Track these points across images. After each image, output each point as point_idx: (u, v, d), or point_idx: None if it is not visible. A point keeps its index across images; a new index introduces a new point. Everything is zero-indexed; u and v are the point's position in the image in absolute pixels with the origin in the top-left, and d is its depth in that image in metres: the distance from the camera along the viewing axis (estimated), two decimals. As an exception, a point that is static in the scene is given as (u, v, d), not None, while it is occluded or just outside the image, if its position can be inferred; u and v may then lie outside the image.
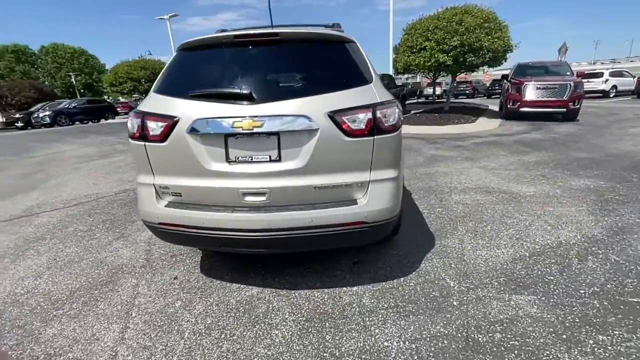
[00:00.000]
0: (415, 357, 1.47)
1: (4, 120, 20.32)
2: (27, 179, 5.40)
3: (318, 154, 1.62)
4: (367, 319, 1.73)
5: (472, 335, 1.57)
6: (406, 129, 8.52)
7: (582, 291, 1.87)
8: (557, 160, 4.83)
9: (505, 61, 9.56)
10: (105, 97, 32.54)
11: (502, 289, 1.92)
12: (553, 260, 2.19)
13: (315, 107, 1.60)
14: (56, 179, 5.23)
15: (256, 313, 1.82)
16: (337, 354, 1.51)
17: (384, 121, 1.67)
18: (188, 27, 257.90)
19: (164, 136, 1.67)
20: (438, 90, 20.50)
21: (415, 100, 22.50)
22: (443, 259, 2.28)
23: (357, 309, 1.81)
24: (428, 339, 1.57)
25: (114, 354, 1.58)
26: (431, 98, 18.66)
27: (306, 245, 1.83)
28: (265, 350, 1.55)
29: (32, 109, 18.77)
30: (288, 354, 1.53)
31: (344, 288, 2.00)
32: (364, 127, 1.63)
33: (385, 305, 1.83)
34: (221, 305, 1.90)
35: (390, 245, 2.49)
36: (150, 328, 1.74)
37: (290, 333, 1.66)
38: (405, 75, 21.84)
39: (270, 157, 1.64)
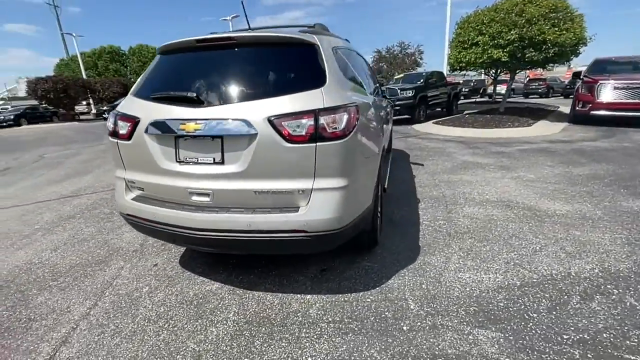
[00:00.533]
0: (333, 379, 1.39)
1: (95, 111, 23.86)
2: (88, 163, 6.29)
3: (257, 158, 1.61)
4: (304, 330, 1.68)
5: (405, 367, 1.43)
6: (448, 131, 7.94)
7: (565, 336, 1.56)
8: (617, 175, 4.06)
9: (576, 56, 8.26)
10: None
11: (467, 320, 1.70)
12: (547, 295, 1.87)
13: (255, 111, 1.58)
14: (110, 165, 6.00)
15: (205, 308, 1.88)
16: (257, 361, 1.50)
17: (328, 128, 1.58)
18: (252, 26, 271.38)
19: (129, 135, 1.82)
20: (503, 89, 18.61)
21: (474, 100, 20.77)
22: (417, 277, 2.09)
23: (300, 319, 1.76)
24: (355, 362, 1.47)
25: (75, 326, 1.78)
26: (494, 97, 17.06)
27: (246, 248, 1.83)
28: (194, 346, 1.61)
29: (116, 102, 21.70)
30: (212, 352, 1.56)
31: (299, 295, 1.96)
32: (304, 133, 1.57)
33: (329, 319, 1.74)
34: (179, 296, 2.01)
35: (366, 256, 2.36)
36: (113, 308, 1.92)
37: (225, 332, 1.69)
38: (472, 73, 20.19)
39: (214, 159, 1.67)
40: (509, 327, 1.63)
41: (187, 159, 1.71)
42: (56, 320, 1.83)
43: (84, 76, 28.19)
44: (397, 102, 9.31)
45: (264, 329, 1.70)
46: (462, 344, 1.54)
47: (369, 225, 2.09)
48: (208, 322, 1.76)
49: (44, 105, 22.99)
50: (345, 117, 1.62)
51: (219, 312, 1.84)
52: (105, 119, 20.93)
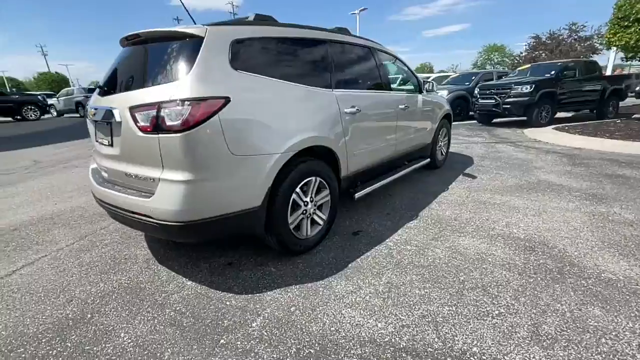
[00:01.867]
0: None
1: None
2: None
3: (124, 144, 1.76)
4: (159, 298, 1.78)
5: None
6: (565, 140, 6.08)
7: None
8: None
9: None
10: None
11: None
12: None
13: (124, 102, 1.73)
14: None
15: (120, 261, 2.22)
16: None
17: (168, 120, 1.57)
18: (403, 17, 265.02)
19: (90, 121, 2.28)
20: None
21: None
22: (301, 299, 1.84)
23: (163, 295, 1.86)
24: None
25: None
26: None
27: (128, 224, 2.01)
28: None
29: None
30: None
31: (184, 278, 2.05)
32: (149, 124, 1.61)
33: (180, 300, 1.78)
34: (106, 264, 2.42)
35: (278, 261, 2.20)
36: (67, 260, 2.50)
37: (120, 283, 1.97)
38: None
39: (108, 141, 1.92)
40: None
41: (98, 140, 2.04)
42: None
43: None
44: (507, 100, 7.62)
45: (137, 292, 1.89)
46: None
47: (260, 228, 1.96)
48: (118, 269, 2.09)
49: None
50: (189, 110, 1.57)
51: (127, 266, 2.14)
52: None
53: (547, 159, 4.84)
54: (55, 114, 17.64)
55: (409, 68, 3.68)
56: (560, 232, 2.52)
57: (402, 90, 3.47)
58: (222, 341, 1.54)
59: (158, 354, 1.47)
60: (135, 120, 1.67)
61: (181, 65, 1.71)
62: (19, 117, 14.02)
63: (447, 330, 1.56)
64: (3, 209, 3.41)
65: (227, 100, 1.68)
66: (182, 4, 2.18)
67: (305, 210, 2.23)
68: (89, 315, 1.73)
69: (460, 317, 1.65)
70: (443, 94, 9.78)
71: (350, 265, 2.16)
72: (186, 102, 1.59)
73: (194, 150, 1.62)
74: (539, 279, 1.95)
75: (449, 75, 12.63)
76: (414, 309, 1.72)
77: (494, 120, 9.17)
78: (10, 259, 2.38)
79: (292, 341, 1.52)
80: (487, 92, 8.20)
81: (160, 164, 1.67)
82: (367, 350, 1.46)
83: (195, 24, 1.95)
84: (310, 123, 2.13)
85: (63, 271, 2.18)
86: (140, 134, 1.67)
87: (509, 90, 7.64)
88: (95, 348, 1.51)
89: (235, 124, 1.72)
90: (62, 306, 1.82)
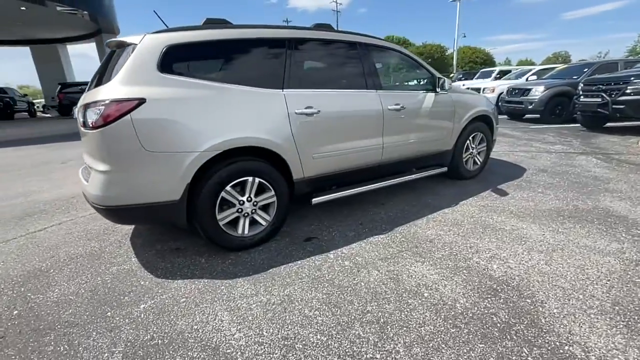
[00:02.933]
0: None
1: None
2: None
3: (82, 139, 2.13)
4: (90, 278, 2.12)
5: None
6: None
7: None
8: None
9: None
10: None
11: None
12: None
13: (82, 100, 2.07)
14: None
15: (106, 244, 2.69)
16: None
17: (89, 118, 1.83)
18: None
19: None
20: None
21: None
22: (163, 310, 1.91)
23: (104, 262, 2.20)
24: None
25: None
26: None
27: None
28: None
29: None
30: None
31: (131, 257, 2.36)
32: (81, 120, 1.91)
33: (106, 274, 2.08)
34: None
35: (206, 256, 2.31)
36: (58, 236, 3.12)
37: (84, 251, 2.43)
38: None
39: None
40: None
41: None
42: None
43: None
44: (619, 99, 5.86)
45: (95, 259, 2.30)
46: (93, 353, 1.49)
47: (182, 220, 2.10)
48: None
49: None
50: (103, 109, 1.80)
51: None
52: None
53: (635, 180, 3.56)
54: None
55: (419, 63, 3.22)
56: (558, 280, 1.89)
57: (401, 88, 3.09)
58: (108, 314, 1.75)
59: (62, 313, 1.77)
60: (83, 117, 2.00)
61: (115, 70, 1.96)
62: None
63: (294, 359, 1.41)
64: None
65: (141, 101, 1.85)
66: (157, 14, 2.45)
67: (242, 209, 2.27)
68: (51, 270, 2.20)
69: (323, 350, 1.46)
70: (538, 89, 8.13)
71: (271, 270, 2.11)
72: (102, 103, 1.82)
73: (108, 145, 1.86)
74: (464, 332, 1.54)
75: (554, 68, 10.30)
76: (285, 328, 1.60)
77: (607, 125, 7.11)
78: (47, 221, 3.15)
79: (154, 329, 1.62)
80: (593, 87, 6.38)
81: (92, 154, 1.97)
82: (202, 355, 1.45)
83: (166, 27, 2.19)
84: (240, 123, 2.14)
85: (69, 234, 2.78)
86: (82, 129, 2.00)
87: (624, 86, 5.79)
88: (33, 296, 1.92)
89: (149, 123, 1.88)
90: (44, 260, 2.34)
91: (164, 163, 1.95)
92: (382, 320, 1.64)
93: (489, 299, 1.76)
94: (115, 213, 1.99)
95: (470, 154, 3.71)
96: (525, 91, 8.48)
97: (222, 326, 1.63)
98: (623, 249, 2.19)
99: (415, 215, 2.88)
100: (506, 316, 1.63)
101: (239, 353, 1.46)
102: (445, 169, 3.45)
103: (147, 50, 1.97)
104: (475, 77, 14.27)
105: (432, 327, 1.57)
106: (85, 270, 2.17)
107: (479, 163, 3.85)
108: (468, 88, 12.76)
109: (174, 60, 2.03)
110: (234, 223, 2.29)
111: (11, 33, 17.56)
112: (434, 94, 3.18)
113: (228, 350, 1.48)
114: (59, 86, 15.37)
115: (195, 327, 1.63)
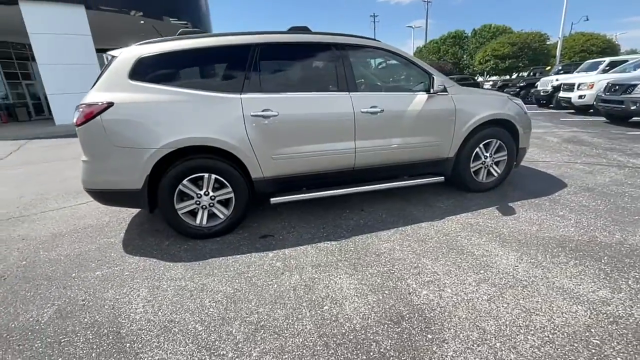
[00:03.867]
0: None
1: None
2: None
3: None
4: (75, 245, 2.65)
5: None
6: None
7: None
8: None
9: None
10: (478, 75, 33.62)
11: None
12: None
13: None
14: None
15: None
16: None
17: (74, 117, 2.28)
18: None
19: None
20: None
21: None
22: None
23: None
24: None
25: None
26: None
27: None
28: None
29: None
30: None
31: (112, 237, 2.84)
32: (74, 119, 2.38)
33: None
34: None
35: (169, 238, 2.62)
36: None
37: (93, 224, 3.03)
38: None
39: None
40: None
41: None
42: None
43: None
44: None
45: (93, 232, 2.86)
46: (42, 302, 1.91)
47: (145, 206, 2.44)
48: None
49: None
50: (80, 111, 2.23)
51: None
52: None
53: None
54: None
55: (411, 61, 2.93)
56: (486, 321, 1.60)
57: (386, 89, 2.87)
58: (73, 274, 2.19)
59: (48, 268, 2.29)
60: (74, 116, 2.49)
61: (99, 78, 2.39)
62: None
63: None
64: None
65: (110, 104, 2.23)
66: (155, 28, 2.84)
67: (199, 201, 2.51)
68: (65, 235, 2.81)
69: (190, 338, 1.58)
70: (599, 86, 6.50)
71: (209, 260, 2.30)
72: (82, 106, 2.26)
73: (86, 140, 2.30)
74: (330, 352, 1.47)
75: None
76: (177, 313, 1.77)
77: None
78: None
79: (89, 293, 1.98)
80: None
81: (81, 148, 2.45)
82: (102, 320, 1.73)
83: (160, 37, 2.58)
84: (194, 125, 2.36)
85: (97, 208, 3.46)
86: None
87: None
88: (41, 252, 2.52)
89: (115, 122, 2.25)
90: (67, 226, 3.00)
91: (128, 157, 2.31)
92: (261, 323, 1.66)
93: (385, 326, 1.61)
94: (94, 195, 2.45)
95: (482, 163, 3.23)
96: (629, 88, 6.74)
97: (135, 300, 1.89)
98: (610, 300, 1.70)
99: (386, 225, 2.70)
100: (387, 347, 1.48)
101: (127, 325, 1.69)
102: (442, 178, 3.09)
103: (122, 61, 2.34)
104: (577, 70, 11.84)
105: (301, 340, 1.54)
106: (85, 238, 2.72)
107: (495, 174, 3.32)
108: (562, 85, 10.73)
109: (143, 69, 2.36)
110: (193, 214, 2.55)
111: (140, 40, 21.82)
112: (426, 95, 2.88)
113: (122, 321, 1.72)
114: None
115: (117, 297, 1.93)
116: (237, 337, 1.58)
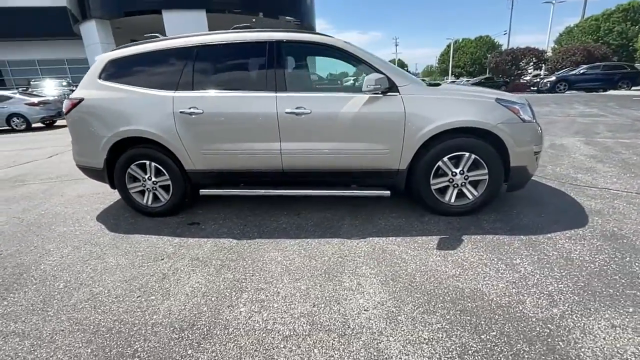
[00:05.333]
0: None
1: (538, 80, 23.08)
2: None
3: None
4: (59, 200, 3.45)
5: (30, 228, 2.96)
6: None
7: None
8: None
9: None
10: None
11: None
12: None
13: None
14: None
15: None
16: (82, 201, 3.65)
17: (64, 107, 2.96)
18: None
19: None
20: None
21: None
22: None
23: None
24: (51, 218, 3.19)
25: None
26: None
27: None
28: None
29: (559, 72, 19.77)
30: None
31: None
32: (67, 110, 3.08)
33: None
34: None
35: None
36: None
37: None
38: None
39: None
40: None
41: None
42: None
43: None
44: None
45: (89, 198, 3.67)
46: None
47: (106, 183, 3.00)
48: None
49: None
50: (65, 104, 2.88)
51: (122, 188, 3.98)
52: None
53: None
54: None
55: (359, 58, 2.54)
56: (241, 340, 1.45)
57: (326, 89, 2.59)
58: (52, 227, 2.94)
59: (32, 225, 3.12)
60: None
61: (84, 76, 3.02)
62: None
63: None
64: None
65: (80, 100, 2.82)
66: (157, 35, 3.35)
67: (144, 184, 2.94)
68: (71, 201, 3.71)
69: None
70: None
71: (129, 235, 2.68)
72: (66, 100, 2.92)
73: (69, 126, 2.97)
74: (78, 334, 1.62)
75: None
76: (64, 272, 2.21)
77: None
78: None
79: (44, 259, 2.64)
80: None
81: (79, 136, 3.17)
82: (32, 280, 2.31)
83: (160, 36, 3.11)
84: (137, 118, 2.73)
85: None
86: (69, 115, 3.22)
87: None
88: (48, 208, 3.42)
89: (85, 114, 2.84)
90: (78, 193, 3.92)
91: (93, 142, 2.88)
92: (98, 292, 1.92)
93: (178, 329, 1.64)
94: (80, 169, 3.15)
95: (449, 180, 2.61)
96: None
97: (56, 254, 2.43)
98: (440, 339, 1.26)
99: (300, 234, 2.56)
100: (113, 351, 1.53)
101: (33, 269, 2.22)
102: (387, 193, 2.66)
103: (97, 63, 2.91)
104: None
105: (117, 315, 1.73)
106: (79, 206, 3.50)
107: (470, 197, 2.63)
108: None
109: (109, 70, 2.86)
110: (143, 194, 3.00)
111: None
112: (367, 96, 2.50)
113: (33, 266, 2.26)
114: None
115: (51, 249, 2.52)
116: (74, 297, 1.88)
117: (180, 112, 2.67)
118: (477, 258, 2.09)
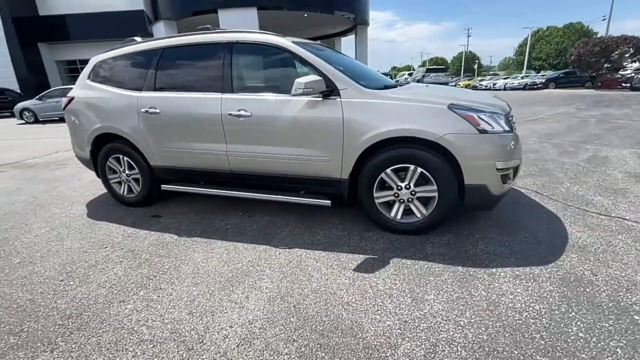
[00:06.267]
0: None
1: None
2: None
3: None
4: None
5: (37, 207, 3.47)
6: None
7: None
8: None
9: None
10: None
11: None
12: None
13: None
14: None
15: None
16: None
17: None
18: None
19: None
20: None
21: None
22: (73, 215, 3.17)
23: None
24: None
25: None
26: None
27: None
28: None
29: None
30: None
31: (114, 188, 3.94)
32: (68, 105, 3.48)
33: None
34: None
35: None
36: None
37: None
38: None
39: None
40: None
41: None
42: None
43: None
44: None
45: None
46: (18, 219, 3.16)
47: (94, 171, 3.36)
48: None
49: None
50: (64, 102, 3.27)
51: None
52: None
53: None
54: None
55: (304, 60, 2.39)
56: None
57: (268, 90, 2.50)
58: (52, 208, 3.40)
59: (29, 202, 3.62)
60: None
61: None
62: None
63: (-5, 261, 2.38)
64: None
65: (72, 98, 3.19)
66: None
67: (120, 177, 3.22)
68: (75, 180, 4.21)
69: None
70: None
71: (101, 222, 2.97)
72: (64, 98, 3.32)
73: (66, 121, 3.37)
74: None
75: None
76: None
77: None
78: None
79: (27, 236, 3.07)
80: None
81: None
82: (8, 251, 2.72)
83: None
84: (110, 116, 3.00)
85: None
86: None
87: None
88: (53, 190, 3.95)
89: (75, 111, 3.20)
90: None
91: (81, 135, 3.24)
92: (34, 273, 2.19)
93: (53, 314, 1.79)
94: (77, 158, 3.56)
95: (394, 195, 2.35)
96: None
97: (35, 232, 2.81)
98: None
99: (234, 237, 2.56)
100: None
101: (11, 242, 2.60)
102: (328, 202, 2.49)
103: (88, 65, 3.24)
104: None
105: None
106: (84, 191, 3.97)
107: (418, 215, 2.33)
108: None
109: (96, 72, 3.18)
110: (120, 184, 3.29)
111: (309, 33, 25.15)
112: (306, 99, 2.35)
113: (11, 239, 2.65)
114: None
115: (35, 226, 2.91)
116: (17, 273, 2.17)
117: (143, 111, 2.85)
118: (388, 287, 1.86)
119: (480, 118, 2.13)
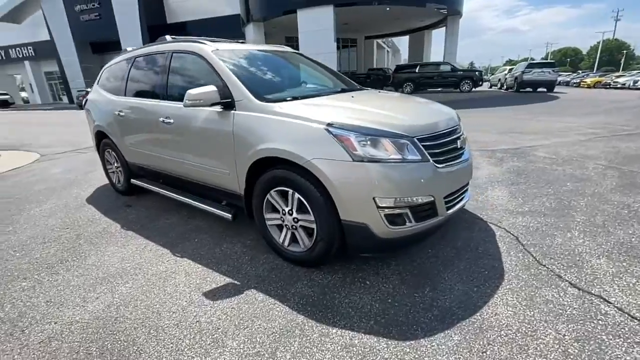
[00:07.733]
0: (91, 178, 4.66)
1: None
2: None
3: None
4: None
5: (68, 186, 4.34)
6: None
7: None
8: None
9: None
10: None
11: (45, 198, 3.87)
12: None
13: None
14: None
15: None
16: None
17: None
18: None
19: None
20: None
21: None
22: None
23: (118, 175, 4.68)
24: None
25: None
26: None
27: None
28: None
29: None
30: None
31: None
32: (97, 105, 4.18)
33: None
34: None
35: (117, 189, 4.03)
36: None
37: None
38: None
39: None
40: (24, 203, 3.73)
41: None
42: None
43: None
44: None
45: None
46: (47, 194, 4.02)
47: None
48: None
49: None
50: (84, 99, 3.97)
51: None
52: None
53: None
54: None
55: (214, 68, 2.32)
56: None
57: (181, 99, 2.55)
58: (55, 193, 4.21)
59: (29, 186, 4.47)
60: None
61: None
62: (457, 89, 17.92)
63: (-2, 226, 3.10)
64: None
65: (86, 100, 3.85)
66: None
67: (112, 167, 3.77)
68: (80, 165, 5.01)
69: (-2, 231, 3.00)
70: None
71: (85, 207, 3.54)
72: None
73: (86, 115, 4.07)
74: None
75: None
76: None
77: None
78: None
79: (23, 223, 3.86)
80: None
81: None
82: None
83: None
84: (101, 117, 3.52)
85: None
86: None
87: None
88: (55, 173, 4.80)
89: (87, 109, 3.86)
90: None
91: (90, 128, 3.90)
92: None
93: (-19, 280, 2.24)
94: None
95: (280, 219, 2.12)
96: None
97: (26, 215, 3.53)
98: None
99: (154, 237, 2.73)
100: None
101: None
102: (229, 216, 2.41)
103: (101, 72, 3.84)
104: None
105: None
106: (100, 175, 4.73)
107: (302, 245, 2.05)
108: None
109: (101, 77, 3.75)
110: (114, 174, 3.84)
111: (394, 27, 23.92)
112: (207, 110, 2.30)
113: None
114: (395, 67, 19.56)
115: (27, 215, 3.66)
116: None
117: (116, 113, 3.26)
118: (209, 320, 1.71)
119: (359, 142, 1.74)
